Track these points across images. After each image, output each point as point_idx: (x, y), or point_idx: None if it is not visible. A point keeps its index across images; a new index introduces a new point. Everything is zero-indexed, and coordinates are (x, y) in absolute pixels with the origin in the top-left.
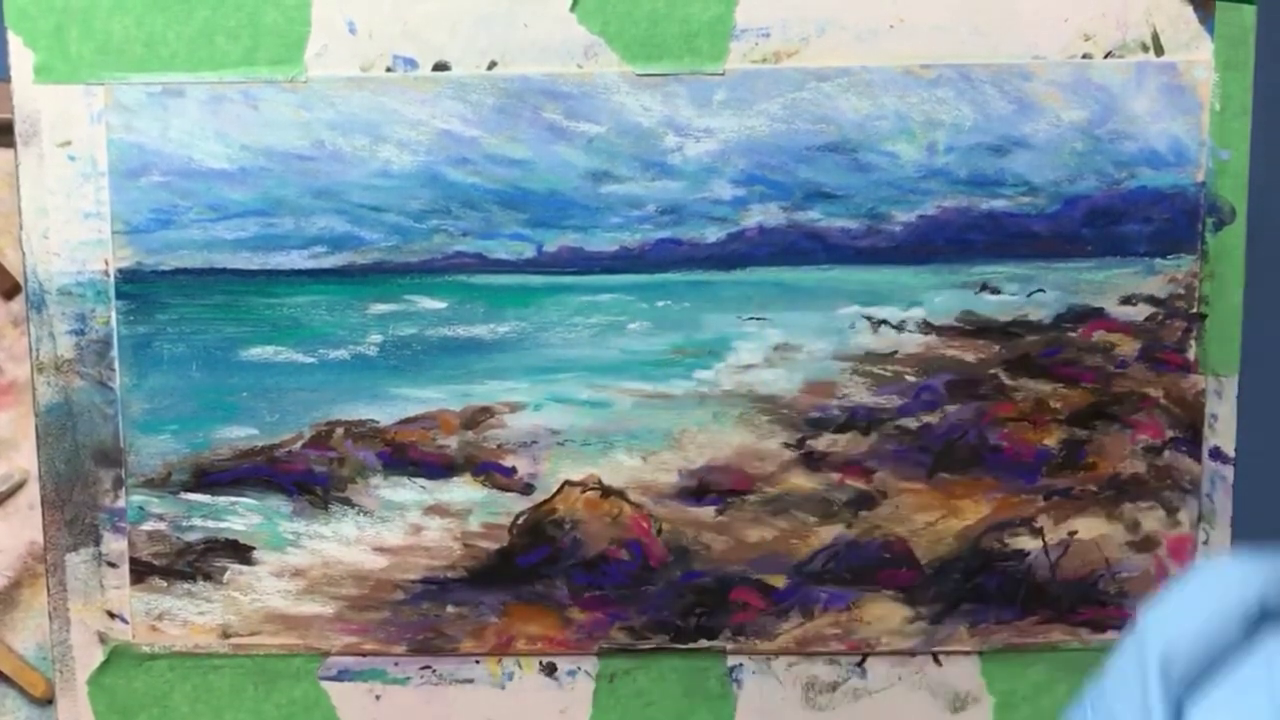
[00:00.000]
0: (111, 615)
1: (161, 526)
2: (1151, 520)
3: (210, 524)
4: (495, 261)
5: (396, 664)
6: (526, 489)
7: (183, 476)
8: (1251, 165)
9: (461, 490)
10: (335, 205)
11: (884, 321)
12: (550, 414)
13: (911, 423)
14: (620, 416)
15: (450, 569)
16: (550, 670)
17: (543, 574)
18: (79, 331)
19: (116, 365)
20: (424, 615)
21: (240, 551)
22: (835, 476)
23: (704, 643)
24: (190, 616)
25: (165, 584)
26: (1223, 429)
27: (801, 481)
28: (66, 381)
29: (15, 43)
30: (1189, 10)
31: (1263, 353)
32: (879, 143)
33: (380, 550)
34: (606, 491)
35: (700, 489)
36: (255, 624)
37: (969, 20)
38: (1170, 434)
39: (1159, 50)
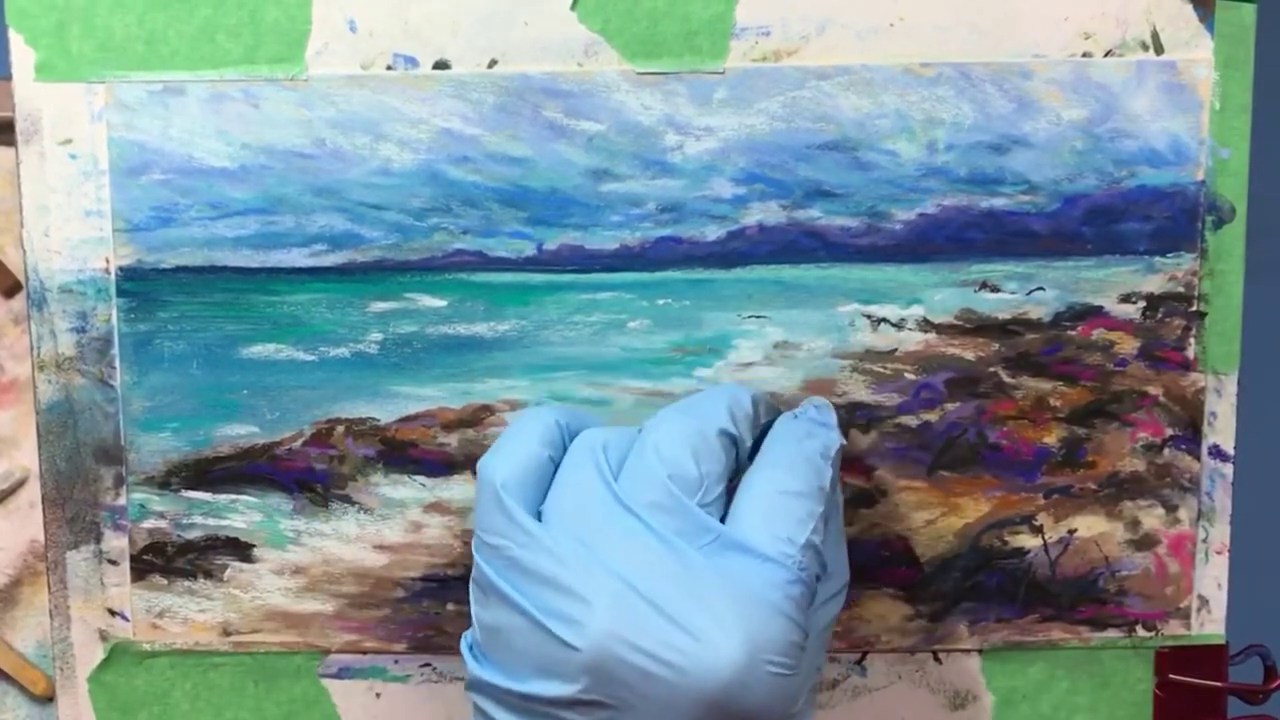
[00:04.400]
0: (112, 613)
1: (162, 524)
2: (1151, 518)
3: (211, 521)
4: (495, 259)
5: (397, 662)
6: None
7: (183, 474)
8: (1251, 164)
9: (461, 488)
10: (336, 203)
11: (884, 319)
12: None
13: (911, 420)
14: (620, 414)
15: (450, 567)
16: None
17: None
18: (80, 329)
19: (117, 363)
20: (424, 613)
21: (241, 549)
22: None
23: None
24: (191, 614)
25: (166, 582)
26: (1222, 426)
27: None
28: (67, 379)
29: (16, 41)
30: (1189, 9)
31: (1262, 350)
32: (879, 141)
33: (380, 548)
34: None
35: None
36: (256, 622)
37: (969, 19)
38: (1170, 432)
39: (1159, 49)
